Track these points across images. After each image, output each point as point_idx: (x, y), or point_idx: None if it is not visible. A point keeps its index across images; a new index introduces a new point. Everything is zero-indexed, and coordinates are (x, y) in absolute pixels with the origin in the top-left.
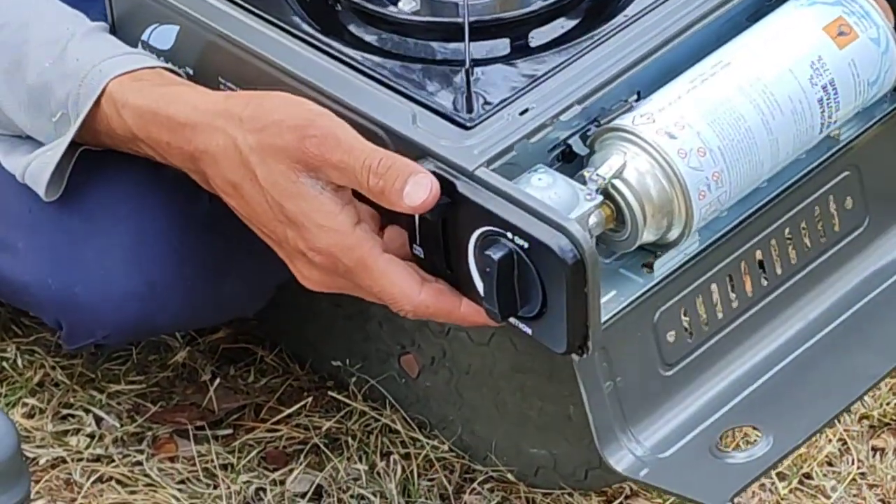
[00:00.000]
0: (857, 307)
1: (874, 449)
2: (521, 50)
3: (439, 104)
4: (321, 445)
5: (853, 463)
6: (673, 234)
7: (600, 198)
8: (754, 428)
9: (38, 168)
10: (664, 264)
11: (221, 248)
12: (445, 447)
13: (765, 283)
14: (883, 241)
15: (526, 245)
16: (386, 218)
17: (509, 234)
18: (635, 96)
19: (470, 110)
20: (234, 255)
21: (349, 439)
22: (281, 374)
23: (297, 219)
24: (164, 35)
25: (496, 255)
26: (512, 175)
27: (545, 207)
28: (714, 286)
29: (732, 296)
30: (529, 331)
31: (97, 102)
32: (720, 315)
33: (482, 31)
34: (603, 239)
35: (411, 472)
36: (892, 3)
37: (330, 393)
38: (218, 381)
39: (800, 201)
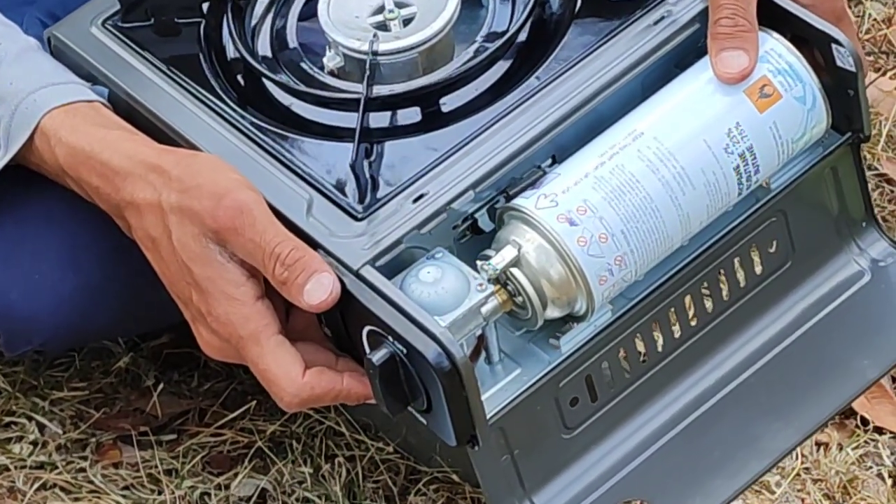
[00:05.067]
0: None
1: (818, 444)
2: (431, 119)
3: (334, 191)
4: (265, 449)
5: (797, 458)
6: (579, 310)
7: (492, 288)
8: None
9: None
10: (572, 339)
11: None
12: (390, 448)
13: (677, 334)
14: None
15: (404, 350)
16: None
17: (391, 337)
18: (550, 160)
19: (362, 200)
20: None
21: (293, 442)
22: (224, 378)
23: (202, 283)
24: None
25: (377, 359)
26: (408, 262)
27: (419, 313)
28: (622, 351)
29: (642, 352)
30: (425, 421)
31: (30, 137)
32: (627, 375)
33: (391, 103)
34: (508, 315)
35: (356, 474)
36: (823, 49)
37: None
38: (161, 386)
39: (719, 256)
